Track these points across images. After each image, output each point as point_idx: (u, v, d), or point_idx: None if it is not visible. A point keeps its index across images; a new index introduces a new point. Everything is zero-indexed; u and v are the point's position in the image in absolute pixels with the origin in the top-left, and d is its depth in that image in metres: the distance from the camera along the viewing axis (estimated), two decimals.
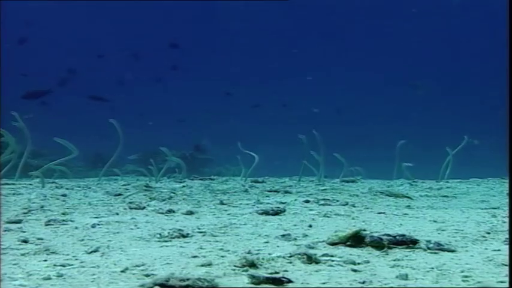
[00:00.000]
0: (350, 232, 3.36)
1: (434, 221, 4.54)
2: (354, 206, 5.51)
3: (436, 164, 10.27)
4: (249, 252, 3.12)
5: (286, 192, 7.02)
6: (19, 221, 4.18)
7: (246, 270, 2.76)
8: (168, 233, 3.70)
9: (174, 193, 6.61)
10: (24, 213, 4.62)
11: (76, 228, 3.99)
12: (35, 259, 3.03)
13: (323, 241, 3.42)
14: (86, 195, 6.25)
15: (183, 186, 7.82)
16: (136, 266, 2.86)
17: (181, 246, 3.37)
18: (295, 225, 4.19)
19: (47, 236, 3.70)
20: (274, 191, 7.11)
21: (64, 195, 6.13)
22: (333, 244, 3.34)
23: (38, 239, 3.57)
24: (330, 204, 5.55)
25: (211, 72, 33.18)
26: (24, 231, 3.82)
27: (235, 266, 2.83)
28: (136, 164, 16.60)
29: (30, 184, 7.42)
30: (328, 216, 4.68)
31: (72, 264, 2.90)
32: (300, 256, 2.97)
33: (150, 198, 6.00)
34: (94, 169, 15.71)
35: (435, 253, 3.21)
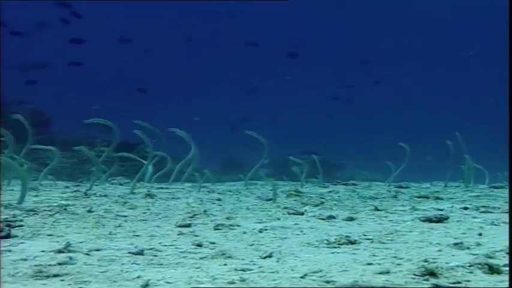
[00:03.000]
0: None
1: None
2: None
3: None
4: (425, 261, 3.07)
5: (437, 198, 6.84)
6: (189, 225, 4.36)
7: (427, 280, 2.72)
8: (335, 239, 3.71)
9: (323, 198, 6.63)
10: (190, 217, 4.81)
11: (244, 233, 4.10)
12: (215, 263, 3.14)
13: (500, 250, 3.30)
14: (240, 200, 6.40)
15: (330, 192, 7.82)
16: (314, 272, 2.89)
17: (352, 253, 3.37)
18: (463, 234, 4.07)
19: (218, 240, 3.83)
20: (424, 197, 6.96)
21: (219, 199, 6.31)
22: None
23: (211, 243, 3.70)
24: (491, 212, 5.35)
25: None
26: (197, 235, 3.97)
27: (414, 274, 2.79)
28: (268, 168, 16.84)
29: (183, 188, 7.70)
30: (496, 225, 4.51)
31: (251, 269, 2.97)
32: (480, 266, 2.89)
33: (302, 204, 6.05)
34: (227, 173, 16.09)
35: None
